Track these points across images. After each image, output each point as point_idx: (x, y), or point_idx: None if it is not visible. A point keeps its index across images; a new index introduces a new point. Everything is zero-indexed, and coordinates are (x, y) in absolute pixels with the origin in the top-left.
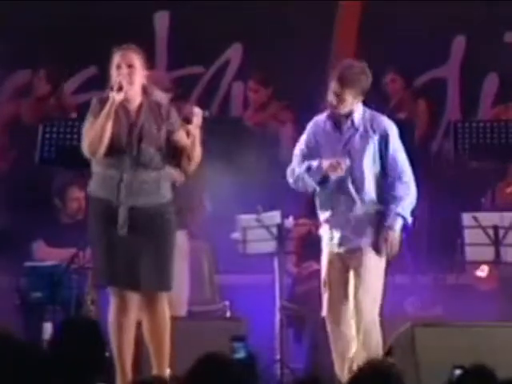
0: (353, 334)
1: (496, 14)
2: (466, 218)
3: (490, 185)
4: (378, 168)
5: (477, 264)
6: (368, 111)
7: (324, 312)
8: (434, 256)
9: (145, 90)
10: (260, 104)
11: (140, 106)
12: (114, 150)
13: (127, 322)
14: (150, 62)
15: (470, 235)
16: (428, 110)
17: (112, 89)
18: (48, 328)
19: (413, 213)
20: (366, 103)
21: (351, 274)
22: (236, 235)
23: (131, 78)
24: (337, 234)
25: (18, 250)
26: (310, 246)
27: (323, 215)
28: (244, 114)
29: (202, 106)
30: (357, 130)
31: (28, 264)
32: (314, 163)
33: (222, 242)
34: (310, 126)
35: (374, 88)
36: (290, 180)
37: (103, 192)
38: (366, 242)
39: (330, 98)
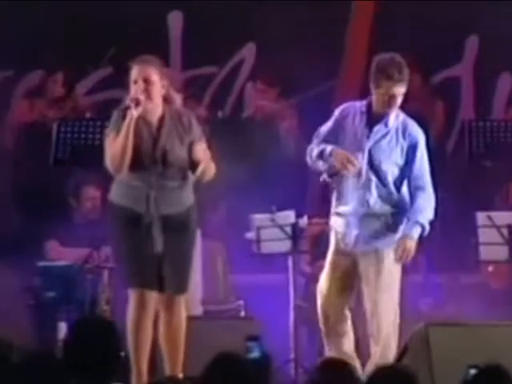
0: (352, 348)
1: (509, 13)
2: (481, 218)
3: (504, 184)
4: (401, 174)
5: (490, 263)
6: (402, 114)
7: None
8: (448, 255)
9: (166, 100)
10: (266, 105)
11: (162, 119)
12: (138, 166)
13: (146, 321)
14: (164, 63)
15: (483, 234)
16: (444, 110)
17: (130, 105)
18: (62, 328)
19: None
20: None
21: (363, 281)
22: (250, 235)
23: (149, 93)
24: (352, 232)
25: (31, 250)
26: (324, 245)
27: (338, 209)
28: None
29: (215, 106)
30: (388, 132)
31: (42, 264)
32: (328, 148)
33: (236, 242)
34: (340, 111)
35: None
36: (308, 159)
37: (128, 201)
38: (382, 244)
39: (384, 98)
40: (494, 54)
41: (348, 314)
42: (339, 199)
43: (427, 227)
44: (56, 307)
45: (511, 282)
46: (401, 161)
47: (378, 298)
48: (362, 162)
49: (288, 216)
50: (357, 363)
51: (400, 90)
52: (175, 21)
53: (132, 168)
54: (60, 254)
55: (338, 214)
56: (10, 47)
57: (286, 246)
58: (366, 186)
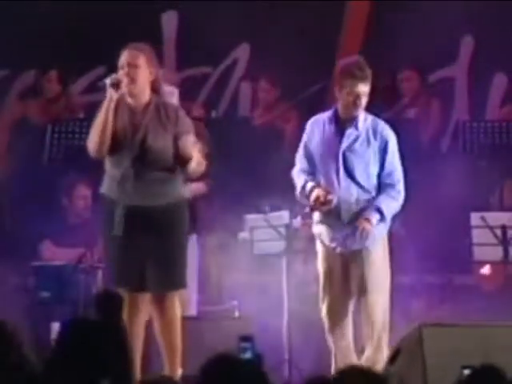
0: (354, 354)
1: (504, 13)
2: (474, 218)
3: (498, 184)
4: (375, 173)
5: (484, 264)
6: (369, 116)
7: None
8: (442, 256)
9: (154, 89)
10: (269, 104)
11: (147, 105)
12: (117, 149)
13: (137, 323)
14: (159, 62)
15: (477, 235)
16: (440, 109)
17: (110, 86)
18: (56, 328)
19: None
20: (374, 99)
21: (354, 277)
22: (244, 235)
23: (132, 76)
24: (339, 234)
25: (25, 250)
26: None
27: (321, 216)
28: (252, 113)
29: (209, 106)
30: (360, 134)
31: (36, 264)
32: (308, 186)
33: (229, 242)
34: (309, 125)
35: (384, 85)
36: (296, 182)
37: (109, 191)
38: (371, 242)
39: (349, 98)
40: (489, 54)
41: (350, 317)
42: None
43: (387, 217)
44: (50, 307)
45: (505, 283)
46: (374, 161)
47: (368, 299)
48: (336, 198)
49: (282, 216)
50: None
51: (364, 88)
52: (170, 21)
53: (111, 153)
54: (54, 254)
55: (322, 222)
56: (5, 46)
57: (279, 246)
58: (346, 190)
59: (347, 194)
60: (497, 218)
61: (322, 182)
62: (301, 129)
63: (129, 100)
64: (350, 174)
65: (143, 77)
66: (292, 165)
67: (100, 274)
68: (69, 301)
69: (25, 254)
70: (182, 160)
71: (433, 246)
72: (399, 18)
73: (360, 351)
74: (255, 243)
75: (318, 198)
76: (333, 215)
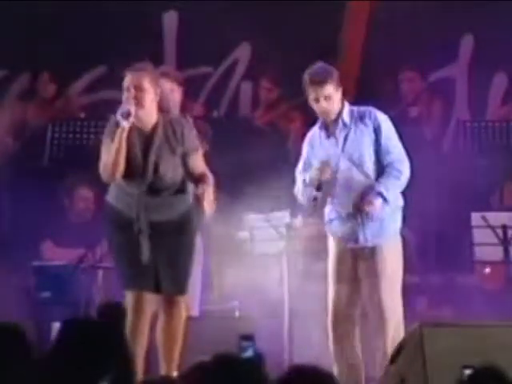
0: (358, 354)
1: (504, 13)
2: (475, 218)
3: (498, 184)
4: (377, 159)
5: (485, 264)
6: (355, 108)
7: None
8: (443, 256)
9: (160, 108)
10: (270, 103)
11: (154, 127)
12: (130, 174)
13: (142, 325)
14: (159, 62)
15: (478, 235)
16: (441, 109)
17: (120, 118)
18: (56, 328)
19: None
20: (377, 98)
21: (365, 275)
22: (244, 235)
23: (139, 100)
24: (350, 228)
25: (25, 250)
26: (319, 245)
27: (332, 215)
28: (253, 113)
29: (210, 106)
30: (350, 128)
31: (36, 264)
32: (306, 175)
33: (229, 242)
34: (306, 140)
35: (386, 84)
36: (300, 198)
37: (121, 205)
38: (383, 238)
39: (316, 106)
40: (489, 54)
41: (357, 319)
42: (332, 204)
43: (389, 197)
44: (50, 307)
45: (506, 283)
46: (373, 148)
47: (380, 298)
48: (333, 165)
49: (283, 216)
50: (362, 370)
51: (325, 92)
52: (170, 21)
53: (124, 176)
54: (54, 254)
55: (333, 220)
56: (5, 46)
57: (280, 246)
58: (354, 185)
59: (357, 189)
60: (497, 217)
61: (333, 182)
62: (305, 128)
63: (136, 123)
64: (355, 168)
65: (150, 99)
66: (296, 163)
67: (101, 274)
68: (69, 301)
69: (25, 254)
70: (191, 177)
71: (433, 245)
72: (400, 19)
73: (377, 349)
74: (255, 243)
75: (315, 170)
76: (344, 211)
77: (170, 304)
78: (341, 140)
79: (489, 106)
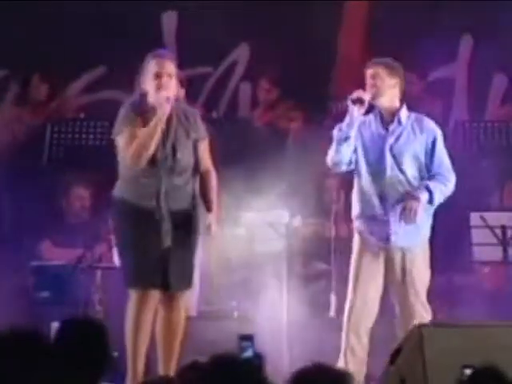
0: (365, 356)
1: (504, 13)
2: (474, 218)
3: (498, 184)
4: (422, 168)
5: (484, 264)
6: (412, 113)
7: (345, 316)
8: (442, 256)
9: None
10: (270, 103)
11: (170, 114)
12: (149, 161)
13: (145, 321)
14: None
15: (477, 235)
16: (440, 109)
17: (163, 101)
18: (56, 328)
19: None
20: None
21: (395, 275)
22: (243, 234)
23: (173, 88)
24: (382, 228)
25: (25, 250)
26: (318, 245)
27: (364, 211)
28: (252, 113)
29: (209, 106)
30: (404, 129)
31: (35, 264)
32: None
33: (229, 241)
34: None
35: None
36: (330, 163)
37: (136, 197)
38: (417, 240)
39: (361, 92)
40: (489, 54)
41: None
42: (363, 201)
43: (436, 197)
44: (49, 307)
45: (505, 283)
46: (421, 156)
47: (409, 301)
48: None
49: (282, 216)
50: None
51: (376, 71)
52: (169, 21)
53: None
54: (53, 254)
55: (363, 217)
56: (4, 47)
57: (279, 245)
58: (392, 185)
59: (394, 190)
60: (497, 217)
61: (368, 177)
62: (305, 127)
63: (156, 109)
64: (398, 168)
65: (176, 85)
66: (295, 164)
67: (99, 274)
68: (68, 301)
69: (25, 253)
70: (196, 164)
71: (433, 245)
72: (398, 18)
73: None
74: (255, 243)
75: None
76: (377, 209)
77: (171, 300)
78: (392, 136)
79: (488, 106)
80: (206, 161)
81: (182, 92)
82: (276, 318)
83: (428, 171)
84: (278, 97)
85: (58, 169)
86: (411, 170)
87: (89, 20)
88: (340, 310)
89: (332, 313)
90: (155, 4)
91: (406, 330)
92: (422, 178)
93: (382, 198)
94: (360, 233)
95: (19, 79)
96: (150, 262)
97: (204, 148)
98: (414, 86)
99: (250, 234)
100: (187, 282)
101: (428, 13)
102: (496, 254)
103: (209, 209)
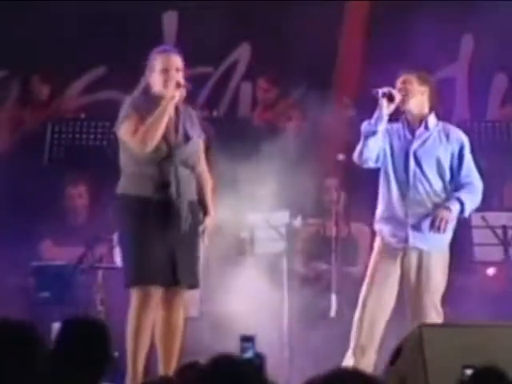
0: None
1: (504, 13)
2: (475, 218)
3: (499, 184)
4: (447, 175)
5: (485, 264)
6: (440, 122)
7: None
8: None
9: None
10: (269, 103)
11: (176, 107)
12: (160, 148)
13: (147, 321)
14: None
15: (478, 235)
16: (442, 110)
17: (172, 87)
18: (57, 328)
19: None
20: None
21: (411, 277)
22: (244, 235)
23: (180, 82)
24: (402, 232)
25: (25, 250)
26: (319, 246)
27: (385, 214)
28: (252, 113)
29: (210, 106)
30: (431, 134)
31: (36, 264)
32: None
33: (230, 242)
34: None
35: (384, 84)
36: (356, 157)
37: (141, 190)
38: (437, 244)
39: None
40: (489, 54)
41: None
42: (386, 203)
43: (467, 208)
44: (50, 307)
45: (506, 283)
46: (445, 163)
47: (423, 305)
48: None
49: (282, 216)
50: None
51: (408, 77)
52: (170, 21)
53: (153, 152)
54: (54, 254)
55: (386, 219)
56: (5, 46)
57: (280, 246)
58: (414, 189)
59: (416, 193)
60: (497, 217)
61: (392, 179)
62: (304, 126)
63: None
64: (422, 173)
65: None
66: (296, 163)
67: (100, 274)
68: (69, 301)
69: (25, 253)
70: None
71: None
72: (399, 18)
73: None
74: (256, 243)
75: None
76: (399, 211)
77: (171, 299)
78: (417, 141)
79: (489, 106)
80: (202, 161)
81: (184, 91)
82: (277, 319)
83: (457, 180)
84: (278, 96)
85: (58, 169)
86: (434, 176)
87: (89, 20)
88: (340, 310)
89: (332, 313)
90: (155, 4)
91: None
92: (444, 185)
93: (404, 201)
94: (380, 233)
95: (19, 79)
96: (156, 257)
97: (200, 148)
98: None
99: (251, 234)
100: (196, 279)
101: (428, 13)
102: (497, 254)
103: (205, 213)
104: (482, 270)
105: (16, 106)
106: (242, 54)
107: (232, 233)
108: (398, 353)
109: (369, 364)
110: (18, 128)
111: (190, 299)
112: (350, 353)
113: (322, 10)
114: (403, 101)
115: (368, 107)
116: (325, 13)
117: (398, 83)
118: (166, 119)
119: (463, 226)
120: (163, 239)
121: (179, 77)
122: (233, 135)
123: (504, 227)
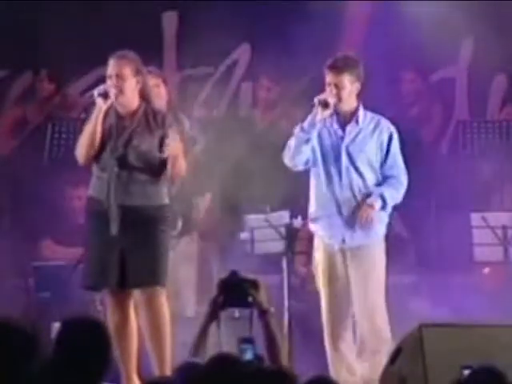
0: (354, 357)
1: (504, 14)
2: (475, 218)
3: (498, 184)
4: (377, 169)
5: (485, 264)
6: (369, 113)
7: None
8: (443, 256)
9: (142, 96)
10: (270, 102)
11: (135, 112)
12: (101, 151)
13: (125, 324)
14: (159, 62)
15: (478, 235)
16: (441, 110)
17: (98, 97)
18: (56, 328)
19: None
20: (377, 98)
21: (354, 275)
22: (244, 235)
23: (120, 88)
24: (338, 230)
25: (25, 250)
26: None
27: (319, 213)
28: (253, 113)
29: (210, 106)
30: (361, 130)
31: (36, 264)
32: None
33: (230, 243)
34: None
35: (385, 84)
36: (286, 160)
37: (96, 193)
38: (373, 238)
39: (328, 95)
40: (489, 54)
41: (351, 319)
42: (319, 203)
43: (389, 203)
44: (50, 307)
45: (506, 283)
46: (377, 156)
47: (369, 300)
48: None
49: (282, 216)
50: (358, 370)
51: (335, 80)
52: (170, 21)
53: (98, 156)
54: (54, 253)
55: (319, 218)
56: (5, 46)
57: (280, 246)
58: (347, 185)
59: (349, 189)
60: (497, 218)
61: (323, 177)
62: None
63: (117, 107)
64: (353, 168)
65: (130, 87)
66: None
67: None
68: (69, 301)
69: (25, 253)
70: (160, 161)
71: (433, 246)
72: (399, 19)
73: (358, 354)
74: (256, 243)
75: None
76: (332, 210)
77: (148, 298)
78: (349, 136)
79: (489, 106)
80: (180, 161)
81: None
82: (277, 319)
83: (381, 172)
84: (279, 96)
85: (58, 169)
86: (366, 170)
87: (89, 20)
88: None
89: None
90: (156, 4)
91: (366, 330)
92: (376, 179)
93: (338, 199)
94: (317, 233)
95: (19, 79)
96: (106, 259)
97: (168, 142)
98: (415, 85)
99: (251, 234)
100: (151, 279)
101: (429, 14)
102: (497, 254)
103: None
104: (481, 270)
105: (16, 105)
106: (243, 54)
107: (232, 233)
108: (397, 352)
109: (351, 365)
110: (18, 127)
111: (186, 300)
112: (329, 359)
113: (322, 10)
114: (336, 103)
115: (368, 106)
116: (326, 13)
117: (331, 85)
118: (94, 131)
119: (464, 226)
120: (116, 241)
121: (120, 83)
122: (233, 135)
123: (504, 227)
